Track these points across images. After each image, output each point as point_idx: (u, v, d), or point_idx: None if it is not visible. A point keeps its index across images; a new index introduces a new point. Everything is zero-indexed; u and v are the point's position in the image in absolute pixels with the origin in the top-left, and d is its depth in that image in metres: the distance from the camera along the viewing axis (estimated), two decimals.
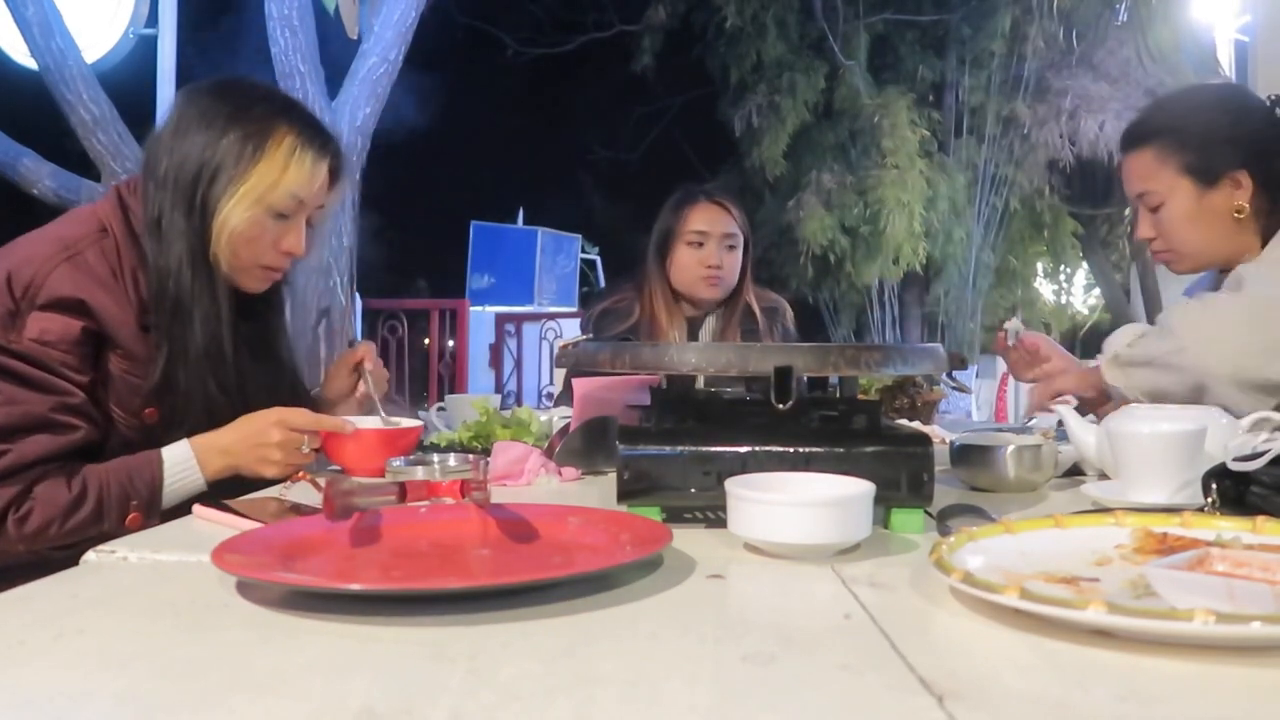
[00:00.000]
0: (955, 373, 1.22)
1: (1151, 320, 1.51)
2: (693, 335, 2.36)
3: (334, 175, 1.45)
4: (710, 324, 2.38)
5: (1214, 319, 1.38)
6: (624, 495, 0.97)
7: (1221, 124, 1.54)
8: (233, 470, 1.33)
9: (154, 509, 1.27)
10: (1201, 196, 1.53)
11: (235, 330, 1.39)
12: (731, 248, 2.32)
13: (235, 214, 1.34)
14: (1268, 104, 1.58)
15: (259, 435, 1.32)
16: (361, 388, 1.60)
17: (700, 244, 2.29)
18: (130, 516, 1.25)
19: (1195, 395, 1.34)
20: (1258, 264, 1.48)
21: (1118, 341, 1.47)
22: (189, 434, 1.34)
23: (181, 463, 1.30)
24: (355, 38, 5.10)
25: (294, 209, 1.39)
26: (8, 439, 1.22)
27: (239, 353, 1.40)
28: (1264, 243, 1.54)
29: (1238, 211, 1.51)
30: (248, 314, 1.45)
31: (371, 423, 1.45)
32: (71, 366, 1.26)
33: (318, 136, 1.41)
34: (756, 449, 0.97)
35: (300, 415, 1.35)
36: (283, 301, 1.57)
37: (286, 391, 1.51)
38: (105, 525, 1.24)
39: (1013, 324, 1.73)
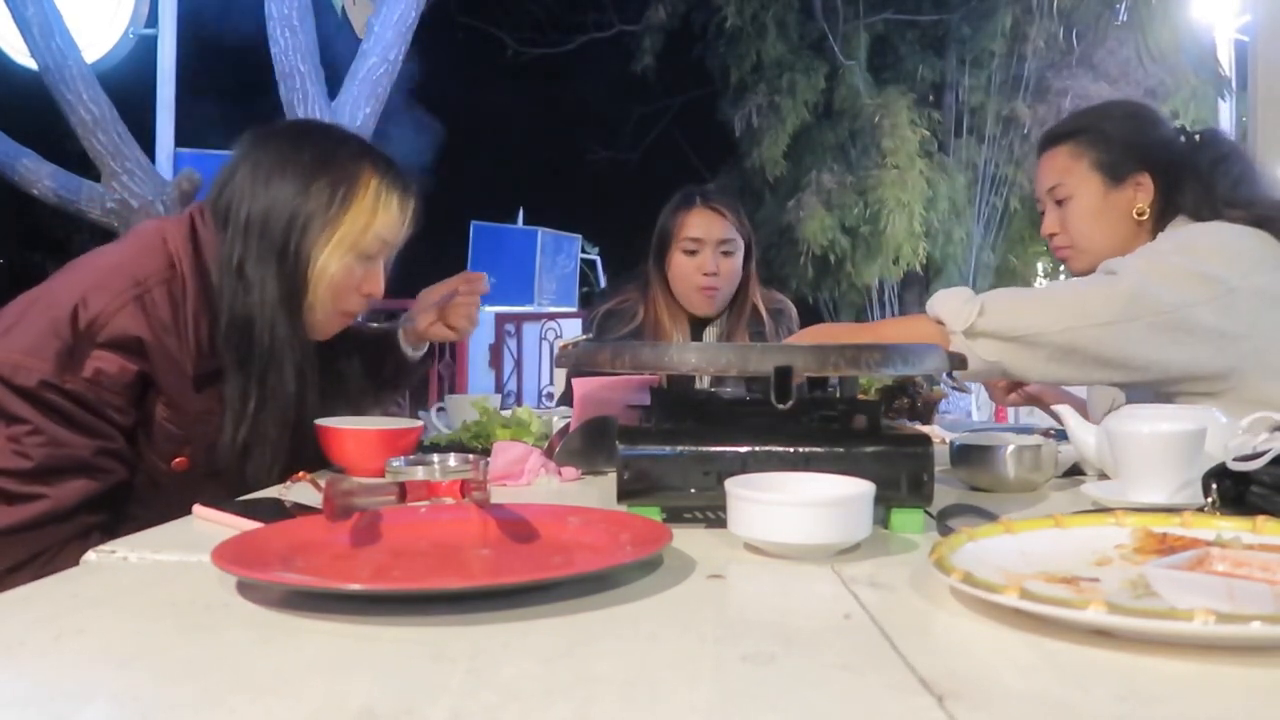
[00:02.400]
0: (955, 373, 1.21)
1: None
2: (697, 338, 2.31)
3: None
4: (715, 328, 2.32)
5: (1085, 300, 1.35)
6: (624, 495, 0.97)
7: (1132, 129, 1.61)
8: None
9: None
10: (1107, 193, 1.59)
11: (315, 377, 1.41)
12: (728, 254, 2.25)
13: (332, 261, 1.36)
14: (1177, 128, 1.64)
15: None
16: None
17: (695, 251, 2.23)
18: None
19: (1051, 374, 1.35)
20: (1128, 256, 1.45)
21: (957, 309, 1.35)
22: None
23: None
24: (364, 38, 5.11)
25: (380, 251, 1.42)
26: (45, 480, 1.20)
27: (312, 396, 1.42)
28: None
29: (1138, 214, 1.57)
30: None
31: (371, 423, 1.45)
32: (117, 408, 1.24)
33: (400, 179, 1.43)
34: (756, 449, 0.97)
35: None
36: (351, 346, 1.59)
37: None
38: None
39: None
